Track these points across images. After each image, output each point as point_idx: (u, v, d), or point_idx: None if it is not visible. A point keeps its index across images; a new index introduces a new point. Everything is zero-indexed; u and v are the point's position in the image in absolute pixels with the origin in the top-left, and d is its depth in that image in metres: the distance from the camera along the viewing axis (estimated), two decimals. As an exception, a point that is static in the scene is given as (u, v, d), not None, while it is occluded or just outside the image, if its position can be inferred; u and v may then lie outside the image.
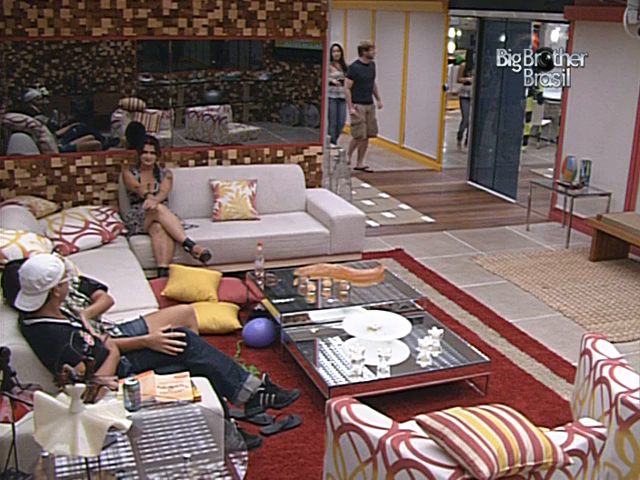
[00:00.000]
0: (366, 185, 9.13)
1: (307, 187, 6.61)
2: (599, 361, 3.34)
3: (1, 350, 2.60)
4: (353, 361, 4.00)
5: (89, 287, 3.87)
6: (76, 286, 3.82)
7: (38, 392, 2.43)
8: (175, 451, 2.74)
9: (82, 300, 3.76)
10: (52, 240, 4.95)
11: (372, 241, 6.85)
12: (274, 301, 4.73)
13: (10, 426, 2.55)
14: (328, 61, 6.77)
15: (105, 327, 3.71)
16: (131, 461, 2.68)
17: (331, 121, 9.89)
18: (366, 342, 4.18)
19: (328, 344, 4.40)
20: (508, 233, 7.45)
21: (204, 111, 6.58)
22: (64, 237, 5.29)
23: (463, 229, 7.47)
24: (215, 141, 6.57)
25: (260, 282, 5.01)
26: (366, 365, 4.04)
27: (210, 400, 3.17)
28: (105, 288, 3.92)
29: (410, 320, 4.50)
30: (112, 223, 5.64)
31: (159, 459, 2.70)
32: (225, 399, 3.56)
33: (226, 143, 6.58)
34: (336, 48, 9.82)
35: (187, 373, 3.30)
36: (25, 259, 3.50)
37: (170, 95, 6.37)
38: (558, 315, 5.46)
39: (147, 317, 3.92)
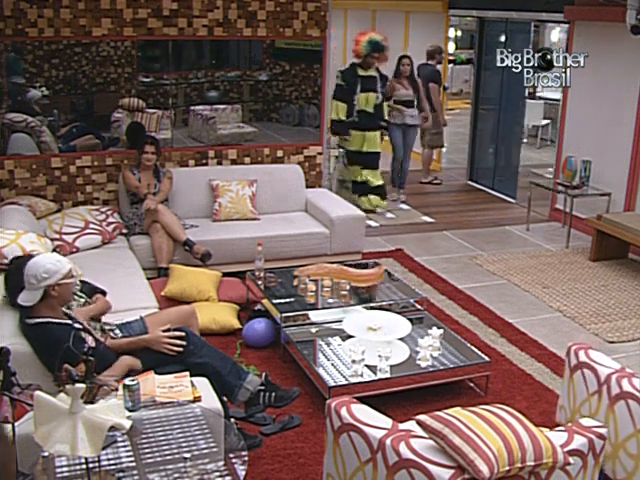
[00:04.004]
0: (366, 185, 9.12)
1: (307, 187, 6.61)
2: (611, 374, 3.25)
3: (1, 350, 2.60)
4: (353, 361, 4.00)
5: (89, 289, 3.89)
6: (77, 287, 3.82)
7: (38, 392, 2.43)
8: (175, 451, 2.74)
9: (83, 300, 3.76)
10: (52, 240, 4.95)
11: (372, 241, 6.85)
12: (274, 301, 4.73)
13: (10, 426, 2.55)
14: (328, 62, 6.76)
15: (106, 327, 3.72)
16: (131, 461, 2.68)
17: (396, 156, 8.29)
18: (366, 342, 4.18)
19: (328, 344, 4.40)
20: (508, 233, 7.45)
21: (197, 111, 6.58)
22: (64, 237, 5.29)
23: (463, 229, 7.47)
24: (204, 141, 6.57)
25: (260, 282, 5.01)
26: (366, 365, 4.04)
27: (210, 400, 3.17)
28: (104, 293, 3.94)
29: (410, 320, 4.50)
30: (112, 223, 5.64)
31: (159, 459, 2.70)
32: (225, 399, 3.57)
33: (214, 144, 6.57)
34: (407, 61, 8.08)
35: (187, 373, 3.30)
36: (30, 256, 3.51)
37: (170, 95, 6.37)
38: (558, 315, 5.46)
39: (147, 317, 3.92)
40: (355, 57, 7.51)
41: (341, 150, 7.98)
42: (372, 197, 7.70)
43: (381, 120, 7.63)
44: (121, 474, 2.62)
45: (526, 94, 9.26)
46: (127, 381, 2.94)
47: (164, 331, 3.63)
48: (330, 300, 4.80)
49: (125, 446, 2.75)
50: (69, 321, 3.40)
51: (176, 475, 2.62)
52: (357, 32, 7.89)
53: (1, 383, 2.57)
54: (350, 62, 7.66)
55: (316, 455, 3.57)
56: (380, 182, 7.73)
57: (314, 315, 4.67)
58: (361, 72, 7.44)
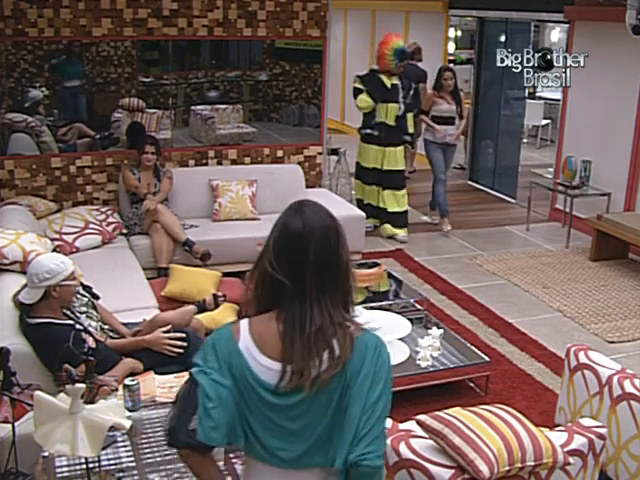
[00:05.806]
0: (366, 185, 9.11)
1: (307, 187, 6.60)
2: (612, 376, 3.24)
3: (1, 350, 2.60)
4: (353, 361, 3.99)
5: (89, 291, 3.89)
6: (78, 288, 3.82)
7: (38, 392, 2.43)
8: (175, 451, 2.73)
9: (85, 299, 3.76)
10: (52, 240, 4.95)
11: (372, 241, 6.85)
12: (274, 301, 4.71)
13: (10, 426, 2.55)
14: (328, 62, 6.76)
15: (105, 327, 3.71)
16: (131, 461, 2.68)
17: (437, 177, 7.32)
18: (366, 342, 4.18)
19: (328, 344, 4.39)
20: (508, 233, 7.45)
21: (197, 111, 6.58)
22: (64, 237, 5.29)
23: (463, 229, 7.47)
24: (202, 141, 6.57)
25: (260, 282, 4.99)
26: (366, 365, 4.03)
27: (210, 400, 3.16)
28: (98, 297, 3.93)
29: (410, 320, 4.50)
30: (112, 223, 5.64)
31: (159, 459, 2.70)
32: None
33: (213, 144, 6.57)
34: (449, 75, 7.11)
35: (187, 373, 3.30)
36: None
37: (170, 95, 6.37)
38: (558, 315, 5.46)
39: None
40: (378, 66, 6.82)
41: (341, 150, 7.93)
42: (387, 226, 7.03)
43: (404, 134, 6.91)
44: (121, 474, 2.62)
45: (526, 94, 9.26)
46: (127, 381, 2.94)
47: (165, 332, 3.64)
48: (330, 300, 4.78)
49: (125, 446, 2.75)
50: (70, 321, 3.40)
51: (176, 475, 2.62)
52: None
53: (1, 383, 2.57)
54: (370, 68, 7.05)
55: (316, 455, 3.57)
56: (403, 209, 6.99)
57: (314, 315, 4.66)
58: (384, 80, 6.79)
